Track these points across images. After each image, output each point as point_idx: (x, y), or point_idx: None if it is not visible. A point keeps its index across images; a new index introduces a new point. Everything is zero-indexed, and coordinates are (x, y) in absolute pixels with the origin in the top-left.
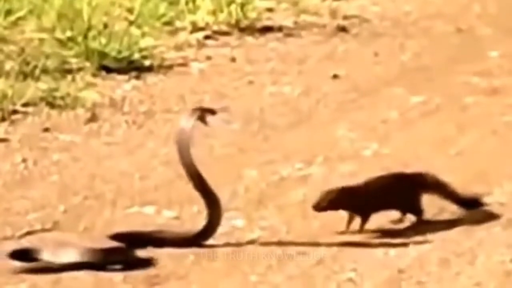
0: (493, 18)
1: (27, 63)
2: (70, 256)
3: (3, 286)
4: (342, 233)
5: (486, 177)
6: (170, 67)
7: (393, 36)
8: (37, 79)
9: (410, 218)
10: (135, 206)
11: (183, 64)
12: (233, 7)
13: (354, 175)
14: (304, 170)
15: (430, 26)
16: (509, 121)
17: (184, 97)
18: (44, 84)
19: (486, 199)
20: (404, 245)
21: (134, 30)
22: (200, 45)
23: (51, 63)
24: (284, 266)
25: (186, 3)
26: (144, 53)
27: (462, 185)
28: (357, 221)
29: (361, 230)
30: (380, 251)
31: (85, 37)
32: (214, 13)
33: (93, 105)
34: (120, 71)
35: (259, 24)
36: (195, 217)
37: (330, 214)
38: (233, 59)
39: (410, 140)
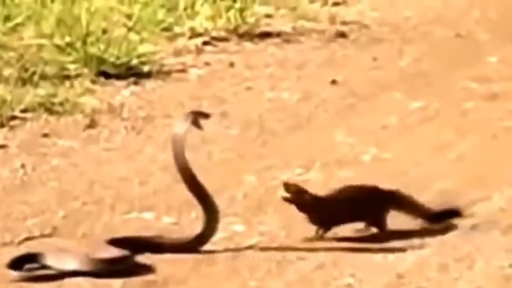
0: (492, 24)
1: (26, 69)
2: (73, 265)
3: None
4: (310, 240)
5: (485, 182)
6: (168, 73)
7: (392, 42)
8: (36, 85)
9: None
10: (134, 212)
11: (182, 70)
12: (231, 12)
13: (353, 180)
14: (303, 175)
15: (429, 31)
16: (508, 126)
17: (183, 103)
18: (43, 90)
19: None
20: (403, 250)
21: (133, 36)
22: (199, 50)
23: (49, 69)
24: (283, 271)
25: (185, 9)
26: (143, 59)
27: (462, 190)
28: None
29: (321, 238)
30: (379, 256)
31: (84, 43)
32: (212, 19)
33: (92, 111)
34: (118, 77)
35: (257, 30)
36: (194, 222)
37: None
38: (231, 65)
39: (409, 145)
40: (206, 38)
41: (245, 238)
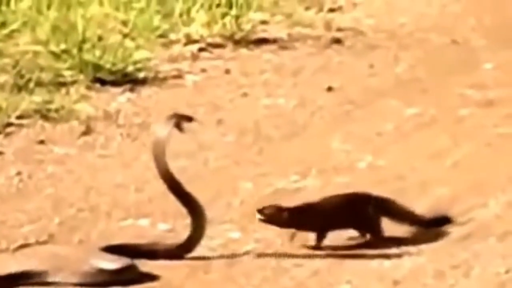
0: (488, 30)
1: (22, 76)
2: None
3: None
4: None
5: (481, 189)
6: (164, 79)
7: (387, 48)
8: (32, 91)
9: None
10: (130, 219)
11: (178, 77)
12: (227, 19)
13: (349, 187)
14: (299, 182)
15: (425, 38)
16: (504, 133)
17: (179, 109)
18: (39, 96)
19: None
20: (399, 256)
21: (129, 43)
22: (195, 57)
23: (45, 76)
24: (279, 278)
25: (181, 16)
26: (139, 65)
27: (457, 197)
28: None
29: (317, 247)
30: (375, 262)
31: (80, 49)
32: (208, 25)
33: (88, 118)
34: (114, 83)
35: (253, 36)
36: (189, 229)
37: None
38: (227, 71)
39: (405, 152)
40: (201, 45)
41: (241, 245)
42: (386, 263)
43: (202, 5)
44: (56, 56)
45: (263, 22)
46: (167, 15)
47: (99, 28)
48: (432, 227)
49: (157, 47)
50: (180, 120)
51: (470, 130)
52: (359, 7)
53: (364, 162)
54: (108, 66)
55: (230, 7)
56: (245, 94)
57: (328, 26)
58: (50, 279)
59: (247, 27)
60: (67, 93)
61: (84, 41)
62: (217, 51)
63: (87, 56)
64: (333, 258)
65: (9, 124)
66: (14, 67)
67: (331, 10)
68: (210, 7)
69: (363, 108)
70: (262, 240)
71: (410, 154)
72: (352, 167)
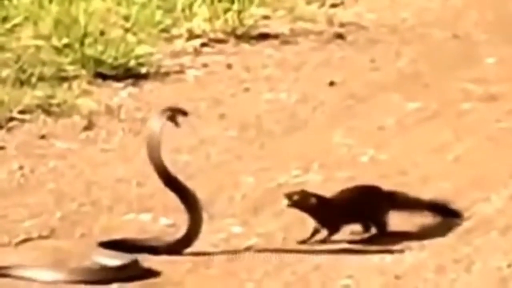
0: (490, 25)
1: (24, 71)
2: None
3: None
4: (303, 242)
5: (482, 183)
6: (166, 74)
7: (389, 43)
8: (34, 86)
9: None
10: (131, 213)
11: (180, 72)
12: (229, 14)
13: (351, 181)
14: (301, 177)
15: (426, 32)
16: (505, 128)
17: (181, 104)
18: (41, 91)
19: (478, 206)
20: (401, 251)
21: (131, 38)
22: (197, 52)
23: (47, 70)
24: (281, 272)
25: (183, 11)
26: (141, 60)
27: (459, 191)
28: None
29: (326, 241)
30: (376, 257)
31: (82, 44)
32: (210, 20)
33: (90, 113)
34: (116, 78)
35: (255, 31)
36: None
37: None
38: (229, 66)
39: (407, 146)
40: (203, 40)
41: (243, 240)
42: (388, 258)
43: (204, 0)
44: (58, 50)
45: (265, 17)
46: (169, 10)
47: (101, 23)
48: (443, 215)
49: (159, 42)
50: (175, 114)
51: (472, 125)
52: (361, 2)
53: (366, 157)
54: (110, 60)
55: (232, 2)
56: (247, 89)
57: (330, 21)
58: (52, 278)
59: (249, 22)
60: (69, 87)
61: (86, 35)
62: (219, 46)
63: (89, 51)
64: (335, 253)
65: (11, 119)
66: (16, 61)
67: (333, 5)
68: (212, 2)
69: (365, 102)
70: (264, 234)
71: (412, 149)
72: (354, 162)
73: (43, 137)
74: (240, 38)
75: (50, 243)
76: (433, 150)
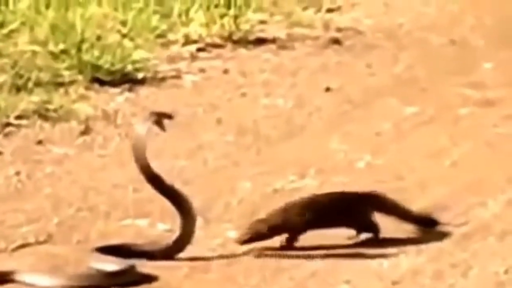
0: (487, 30)
1: (20, 76)
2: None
3: None
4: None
5: (479, 188)
6: (163, 79)
7: (386, 48)
8: (30, 91)
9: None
10: (128, 219)
11: (176, 77)
12: (226, 19)
13: (348, 187)
14: (298, 182)
15: (423, 38)
16: (503, 133)
17: (177, 109)
18: (37, 96)
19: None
20: (398, 256)
21: (127, 43)
22: (193, 57)
23: (44, 76)
24: (278, 278)
25: (179, 16)
26: (137, 65)
27: (456, 196)
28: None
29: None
30: (374, 262)
31: (78, 49)
32: (207, 25)
33: (86, 118)
34: (113, 83)
35: (252, 36)
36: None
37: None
38: (226, 71)
39: (404, 151)
40: (200, 45)
41: (240, 245)
42: (385, 263)
43: (200, 5)
44: (55, 56)
45: (262, 22)
46: (165, 15)
47: (97, 28)
48: (425, 226)
49: (155, 47)
50: (160, 118)
51: (469, 130)
52: (358, 7)
53: (363, 162)
54: (106, 66)
55: (229, 7)
56: (243, 94)
57: (326, 26)
58: (49, 284)
59: (245, 27)
60: (66, 93)
61: (82, 41)
62: (215, 51)
63: (86, 56)
64: (332, 258)
65: (8, 124)
66: (12, 67)
67: (330, 10)
68: (208, 7)
69: (362, 108)
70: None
71: (409, 154)
72: (351, 167)
73: (40, 142)
74: (237, 43)
75: (47, 248)
76: (430, 155)
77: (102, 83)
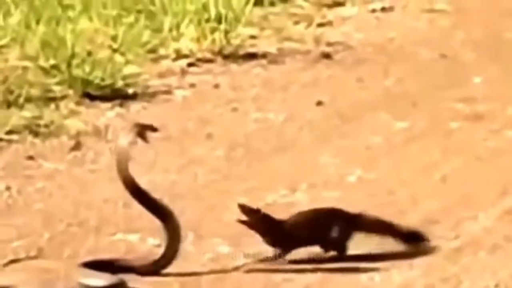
0: (477, 44)
1: (11, 91)
2: None
3: None
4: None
5: (470, 202)
6: (153, 94)
7: (377, 62)
8: (21, 107)
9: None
10: (119, 233)
11: (167, 92)
12: (216, 34)
13: (339, 201)
14: (289, 197)
15: (414, 52)
16: (493, 147)
17: (168, 124)
18: (28, 112)
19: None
20: (389, 271)
21: (118, 58)
22: (184, 72)
23: (34, 91)
24: None
25: (170, 31)
26: (128, 80)
27: (447, 210)
28: None
29: (275, 259)
30: (365, 276)
31: (69, 65)
32: (197, 40)
33: (77, 133)
34: (103, 98)
35: (242, 51)
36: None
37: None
38: (216, 86)
39: (395, 165)
40: (191, 60)
41: (231, 260)
42: (376, 277)
43: (191, 20)
44: (45, 71)
45: (252, 37)
46: (156, 30)
47: (88, 44)
48: (409, 242)
49: (146, 62)
50: (144, 130)
51: (460, 144)
52: (348, 22)
53: (354, 176)
54: (97, 81)
55: (220, 22)
56: (234, 109)
57: (317, 40)
58: None
59: (236, 42)
60: (57, 108)
61: (73, 56)
62: (206, 66)
63: (77, 71)
64: (324, 273)
65: None
66: (3, 82)
67: (321, 24)
68: (199, 22)
69: (353, 122)
70: (252, 255)
71: (399, 168)
72: (342, 181)
73: (30, 157)
74: (228, 58)
75: (38, 263)
76: (421, 169)
77: (92, 98)
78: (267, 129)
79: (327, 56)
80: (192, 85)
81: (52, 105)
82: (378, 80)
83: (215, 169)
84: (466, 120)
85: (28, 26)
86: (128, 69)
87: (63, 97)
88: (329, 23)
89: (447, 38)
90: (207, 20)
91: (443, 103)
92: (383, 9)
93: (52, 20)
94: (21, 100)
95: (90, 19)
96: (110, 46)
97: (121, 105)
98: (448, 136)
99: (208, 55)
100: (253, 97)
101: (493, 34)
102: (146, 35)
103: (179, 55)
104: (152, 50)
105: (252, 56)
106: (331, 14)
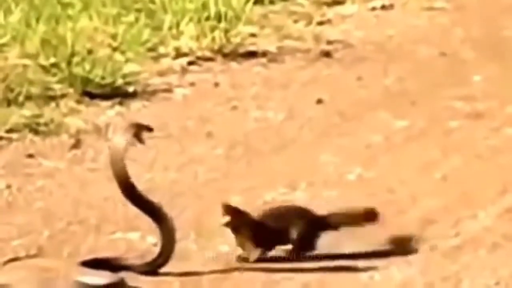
0: (477, 42)
1: (11, 90)
2: None
3: None
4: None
5: (470, 201)
6: (153, 93)
7: (376, 61)
8: (21, 105)
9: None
10: (119, 232)
11: (167, 90)
12: (216, 32)
13: (338, 200)
14: (288, 195)
15: (413, 50)
16: (493, 145)
17: (168, 123)
18: (28, 110)
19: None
20: (389, 269)
21: (118, 56)
22: (184, 70)
23: (34, 90)
24: None
25: (170, 29)
26: (128, 79)
27: (447, 209)
28: None
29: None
30: (365, 275)
31: (69, 63)
32: (197, 38)
33: (77, 131)
34: (103, 97)
35: (242, 49)
36: (178, 242)
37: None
38: (216, 85)
39: (395, 164)
40: (191, 58)
41: (232, 259)
42: (376, 275)
43: (191, 19)
44: (46, 69)
45: (252, 35)
46: (156, 29)
47: (88, 42)
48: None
49: (146, 61)
50: (139, 130)
51: (459, 142)
52: (348, 20)
53: (353, 175)
54: (97, 79)
55: (219, 21)
56: (234, 107)
57: (317, 39)
58: None
59: (236, 40)
60: (57, 106)
61: (73, 54)
62: (206, 64)
63: (77, 70)
64: (324, 271)
65: None
66: (3, 80)
67: (320, 23)
68: (199, 21)
69: (352, 120)
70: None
71: (399, 167)
72: (341, 180)
73: (30, 156)
74: (228, 56)
75: (37, 262)
76: (420, 168)
77: (92, 96)
78: (267, 127)
79: (327, 54)
80: (192, 84)
81: (52, 104)
82: (377, 79)
83: (215, 167)
84: (466, 118)
85: (28, 25)
86: (128, 68)
87: (63, 95)
88: (329, 21)
89: (446, 36)
90: (207, 19)
91: (442, 102)
92: (383, 7)
93: (52, 19)
94: (21, 98)
95: (90, 17)
96: (110, 45)
97: (121, 104)
98: (447, 135)
99: (208, 54)
100: (253, 96)
101: (493, 32)
102: (146, 34)
103: (179, 54)
104: (152, 49)
105: (252, 54)
106: (331, 12)
